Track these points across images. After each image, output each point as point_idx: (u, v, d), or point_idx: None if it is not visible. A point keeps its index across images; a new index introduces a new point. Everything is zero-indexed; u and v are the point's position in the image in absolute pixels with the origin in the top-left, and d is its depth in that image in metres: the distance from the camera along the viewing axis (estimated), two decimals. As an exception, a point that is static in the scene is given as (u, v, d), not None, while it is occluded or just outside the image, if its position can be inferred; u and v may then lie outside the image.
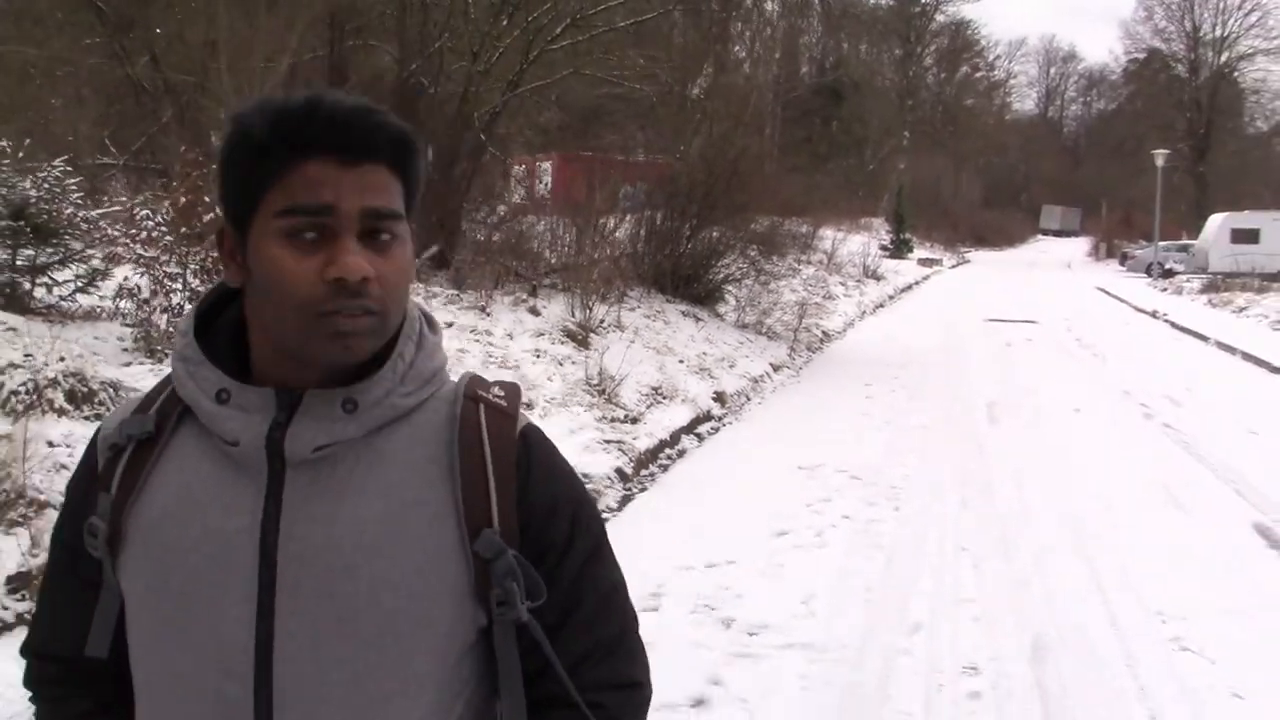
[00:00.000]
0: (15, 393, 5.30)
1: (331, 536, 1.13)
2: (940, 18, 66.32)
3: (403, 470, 1.17)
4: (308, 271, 1.08)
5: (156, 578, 1.17)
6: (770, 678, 4.47)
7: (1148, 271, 36.33)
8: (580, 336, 10.41)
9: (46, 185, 7.64)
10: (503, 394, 1.24)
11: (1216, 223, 36.30)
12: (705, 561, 5.91)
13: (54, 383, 5.40)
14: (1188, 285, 30.11)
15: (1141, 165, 48.80)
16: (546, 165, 20.52)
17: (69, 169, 7.89)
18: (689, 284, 14.83)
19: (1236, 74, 57.66)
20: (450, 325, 9.67)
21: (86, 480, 1.25)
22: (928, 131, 63.76)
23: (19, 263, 7.57)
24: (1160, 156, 36.65)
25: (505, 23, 13.78)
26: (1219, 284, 28.38)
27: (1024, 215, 74.42)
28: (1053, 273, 39.14)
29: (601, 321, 11.17)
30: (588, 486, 6.42)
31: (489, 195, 15.93)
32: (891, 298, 25.78)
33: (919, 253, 41.67)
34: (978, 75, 74.21)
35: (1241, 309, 23.04)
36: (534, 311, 11.09)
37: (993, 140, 73.46)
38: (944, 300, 25.62)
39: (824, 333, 16.77)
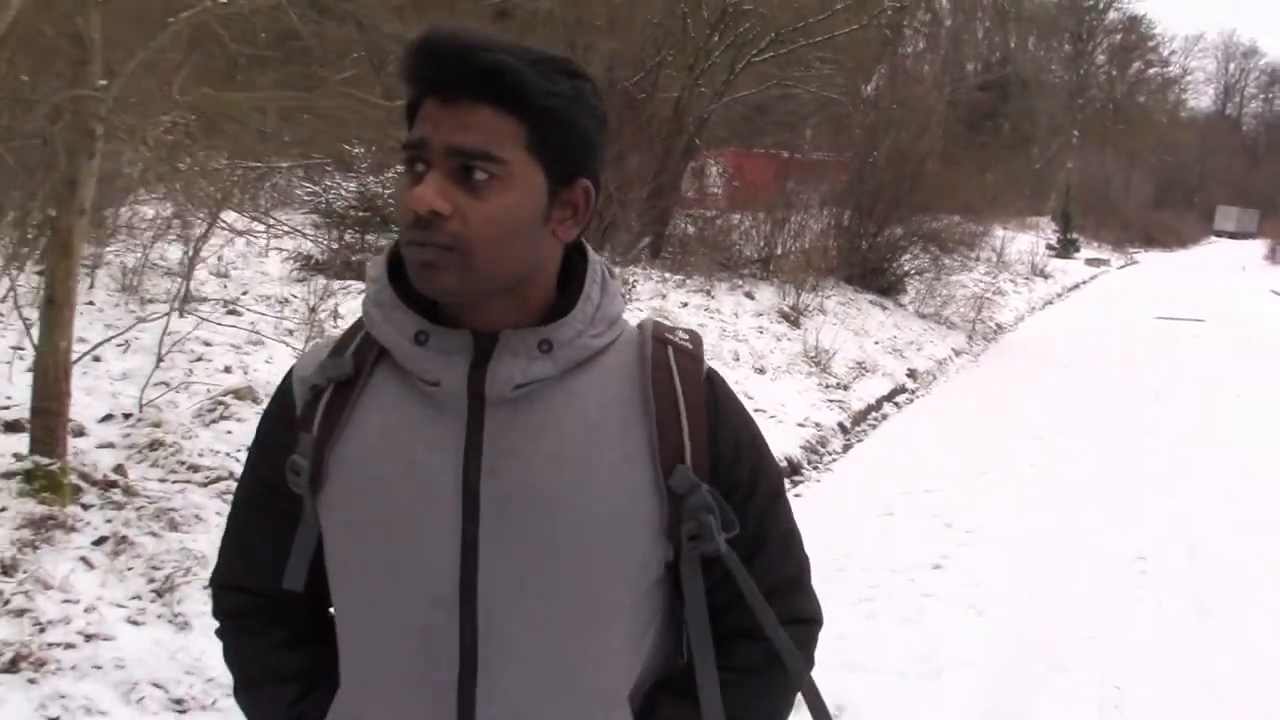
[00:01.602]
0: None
1: (531, 472, 1.21)
2: (1113, 14, 65.77)
3: (597, 409, 1.24)
4: (405, 202, 1.15)
5: (361, 512, 1.24)
6: (983, 558, 6.27)
7: (1326, 275, 36.36)
8: (792, 317, 12.32)
9: (390, 183, 9.89)
10: (688, 338, 1.31)
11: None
12: (924, 488, 7.71)
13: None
14: (1367, 290, 30.34)
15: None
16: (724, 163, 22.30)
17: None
18: (875, 276, 16.55)
19: None
20: (685, 305, 11.66)
21: (284, 420, 1.31)
22: (1097, 129, 63.40)
23: (367, 243, 9.83)
24: (1342, 159, 36.52)
25: (716, 38, 15.72)
26: (1399, 288, 28.64)
27: (1197, 216, 73.08)
28: (1225, 275, 39.25)
29: (807, 306, 13.03)
30: (818, 435, 8.29)
31: (699, 193, 17.88)
32: (1060, 295, 26.88)
33: (1086, 252, 42.15)
34: (1151, 71, 73.18)
35: None
36: (749, 295, 13.04)
37: (1166, 138, 72.34)
38: (1112, 299, 26.62)
39: (997, 325, 18.26)
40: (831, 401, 9.84)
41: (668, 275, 13.29)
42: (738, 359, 10.18)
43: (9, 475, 4.17)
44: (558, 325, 1.21)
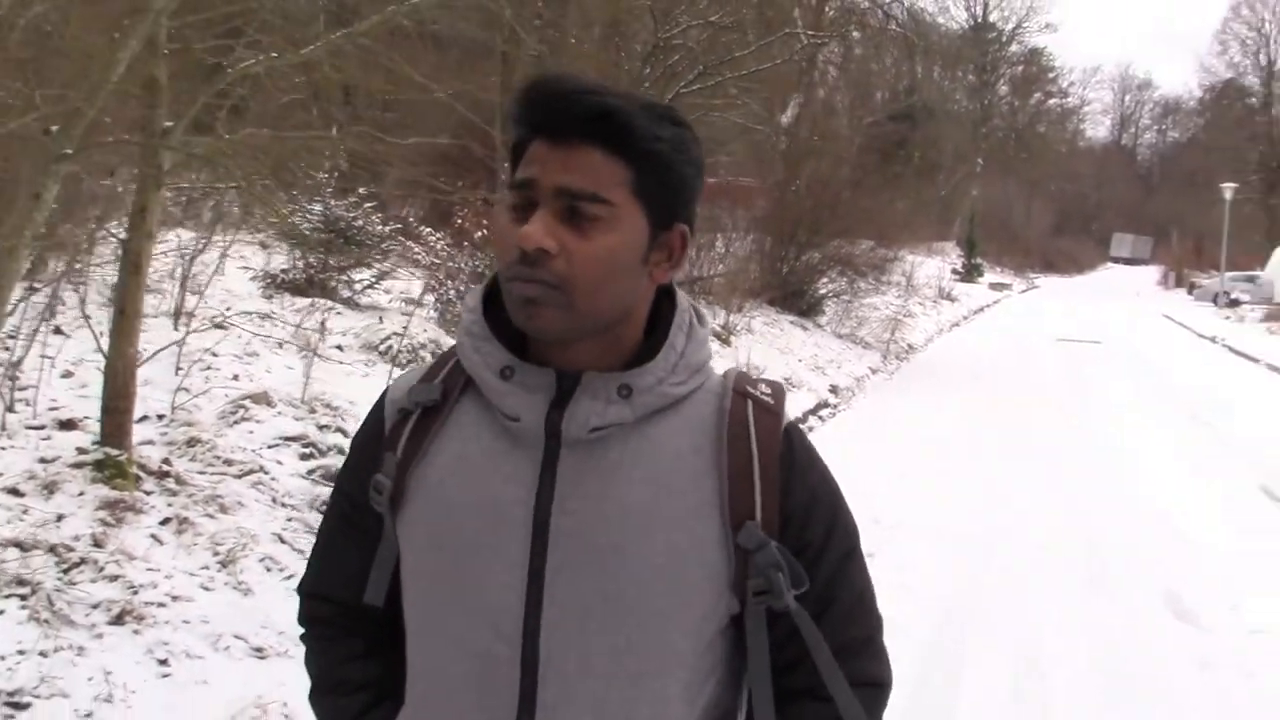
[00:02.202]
0: (400, 352, 8.13)
1: (602, 514, 1.23)
2: (1015, 46, 68.41)
3: (670, 458, 1.25)
4: (510, 239, 1.20)
5: (434, 536, 1.29)
6: (909, 547, 7.15)
7: (1214, 301, 38.36)
8: (724, 336, 13.20)
9: (353, 207, 10.55)
10: (769, 392, 1.33)
11: (1282, 255, 38.41)
12: (852, 491, 8.53)
13: (424, 345, 8.23)
14: (1250, 314, 32.32)
15: (1214, 196, 50.51)
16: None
17: (370, 194, 10.79)
18: (795, 298, 17.54)
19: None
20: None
21: (373, 439, 1.36)
22: (1000, 158, 65.82)
23: (330, 263, 10.47)
24: (1229, 190, 38.83)
25: (647, 70, 16.60)
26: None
27: (1094, 243, 76.06)
28: (1121, 300, 41.26)
29: (736, 326, 13.92)
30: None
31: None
32: (966, 318, 28.27)
33: (989, 277, 43.99)
34: (1051, 102, 76.11)
35: (1297, 337, 25.37)
36: (682, 315, 13.89)
37: (1064, 167, 75.33)
38: (1015, 322, 28.07)
39: (909, 345, 19.38)
40: (765, 413, 10.71)
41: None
42: (677, 374, 11.01)
43: (80, 465, 4.81)
44: (639, 371, 1.24)
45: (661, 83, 16.71)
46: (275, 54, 4.84)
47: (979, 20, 65.40)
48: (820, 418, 11.99)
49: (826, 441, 10.83)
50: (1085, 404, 13.91)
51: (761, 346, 13.15)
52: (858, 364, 15.63)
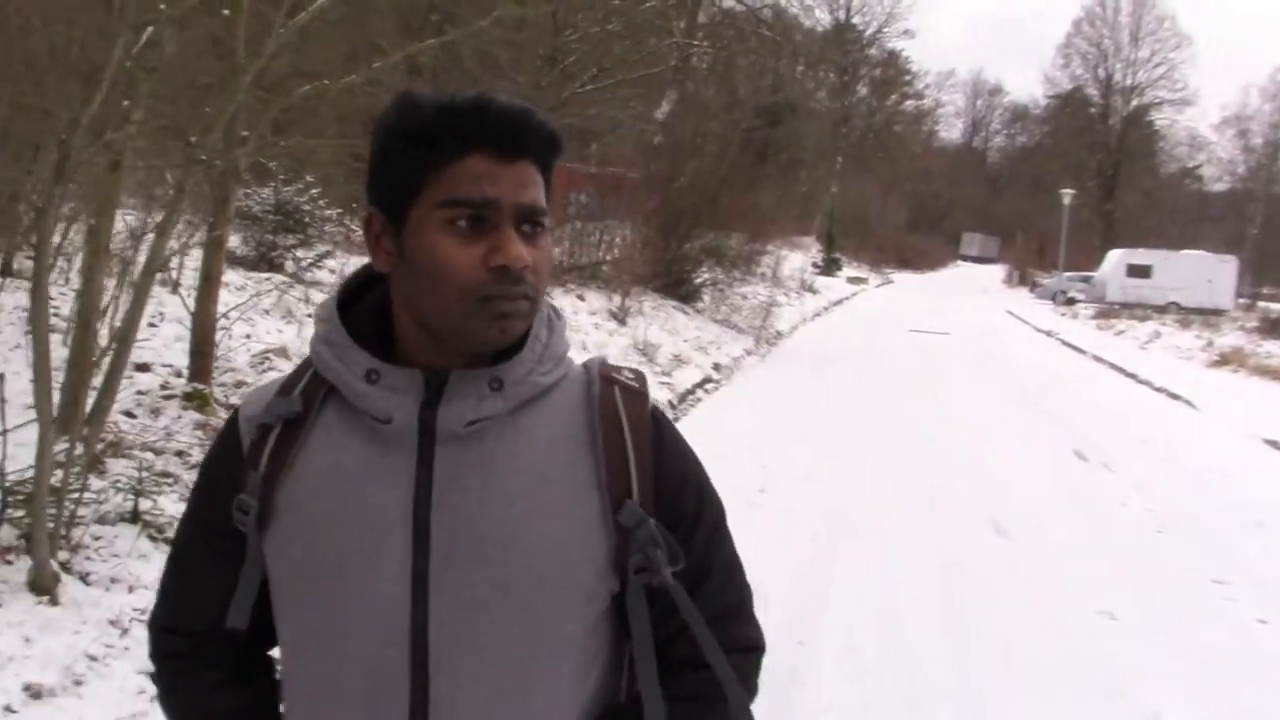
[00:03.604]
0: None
1: (483, 507, 1.25)
2: (874, 50, 71.63)
3: (545, 446, 1.29)
4: (471, 258, 1.20)
5: (310, 549, 1.28)
6: (793, 489, 8.98)
7: (1053, 299, 41.61)
8: (620, 317, 14.95)
9: (299, 192, 11.95)
10: (634, 377, 1.38)
11: (1115, 258, 41.82)
12: (743, 446, 10.39)
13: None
14: (1084, 312, 35.59)
15: (1056, 199, 54.30)
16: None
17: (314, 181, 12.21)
18: (677, 286, 19.40)
19: (1149, 119, 64.15)
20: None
21: (230, 459, 1.35)
22: (859, 156, 68.81)
23: (277, 242, 11.86)
24: (1067, 195, 42.25)
25: (551, 71, 18.23)
26: (1110, 312, 33.93)
27: (946, 240, 79.57)
28: (969, 296, 44.28)
29: (629, 308, 15.68)
30: (666, 409, 10.91)
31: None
32: (826, 309, 30.59)
33: (847, 271, 46.64)
34: (908, 104, 79.63)
35: (1121, 332, 28.46)
36: (580, 298, 15.58)
37: (919, 167, 78.67)
38: (872, 314, 30.53)
39: (777, 331, 21.41)
40: (662, 383, 12.49)
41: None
42: (585, 348, 12.69)
43: (170, 397, 6.28)
44: (509, 365, 1.27)
45: (558, 83, 18.36)
46: (325, 81, 6.38)
47: (842, 22, 68.34)
48: (706, 390, 13.82)
49: (717, 407, 12.73)
50: (932, 383, 16.09)
51: (654, 328, 14.93)
52: (734, 346, 17.54)
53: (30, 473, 4.24)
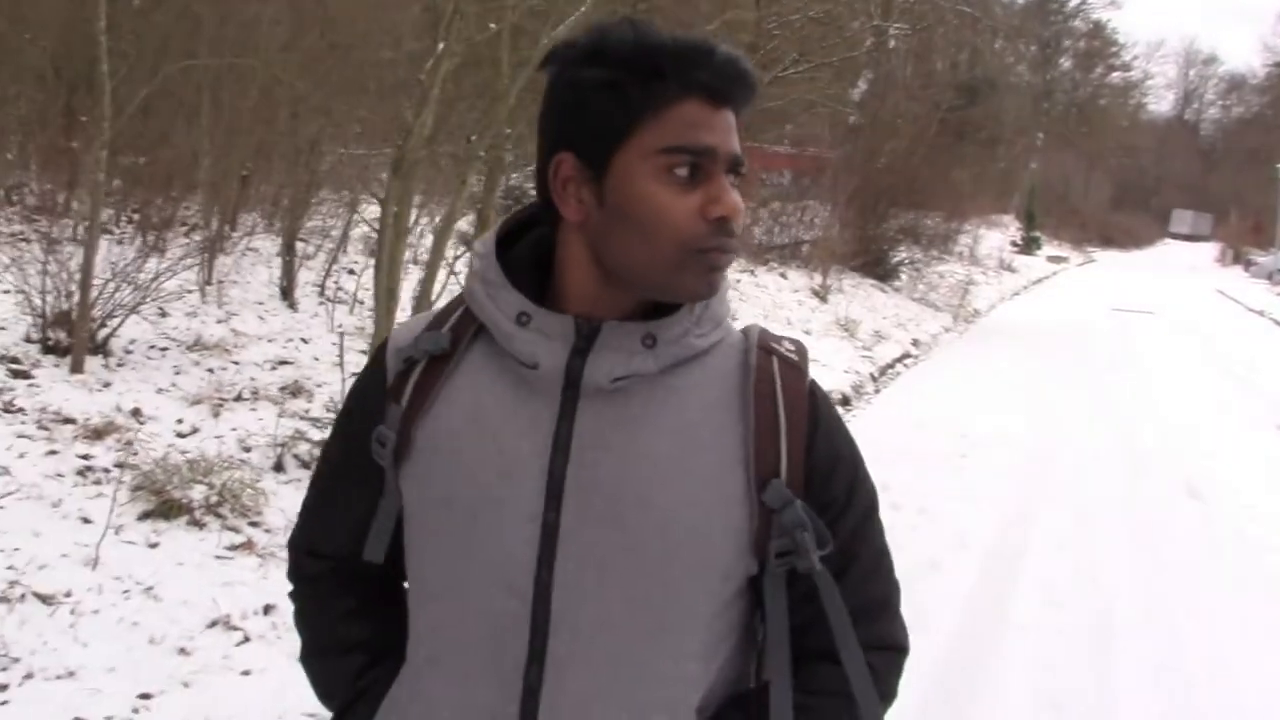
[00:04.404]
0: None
1: (623, 467, 1.22)
2: (1078, 21, 69.70)
3: (694, 410, 1.25)
4: (689, 208, 1.18)
5: (443, 490, 1.27)
6: (992, 452, 9.57)
7: (1269, 278, 40.14)
8: (822, 294, 15.67)
9: (525, 179, 13.05)
10: (794, 349, 1.34)
11: (1337, 235, 40.13)
12: (943, 414, 11.00)
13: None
14: (1302, 291, 34.35)
15: (1275, 174, 51.98)
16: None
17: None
18: (875, 265, 19.96)
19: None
20: (739, 281, 14.95)
21: (374, 389, 1.34)
22: (1061, 131, 67.14)
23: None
24: (1284, 169, 40.52)
25: (753, 56, 18.99)
26: (1330, 290, 32.69)
27: (1153, 218, 76.77)
28: (1177, 275, 43.02)
29: (830, 286, 16.38)
30: (858, 379, 11.64)
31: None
32: (1025, 288, 30.47)
33: (1047, 250, 45.84)
34: (1114, 76, 77.17)
35: (1341, 311, 27.50)
36: (783, 276, 16.36)
37: (1125, 141, 76.23)
38: (1072, 292, 30.24)
39: (975, 310, 21.72)
40: (863, 357, 13.19)
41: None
42: (789, 323, 13.47)
43: (364, 353, 7.33)
44: (665, 322, 1.23)
45: (760, 67, 19.09)
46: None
47: (1044, -6, 66.79)
48: (905, 365, 14.43)
49: (919, 379, 13.31)
50: (1133, 358, 16.29)
51: (854, 305, 15.60)
52: (932, 323, 18.02)
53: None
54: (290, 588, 1.50)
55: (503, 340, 1.25)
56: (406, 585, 1.38)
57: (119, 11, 7.46)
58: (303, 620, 1.49)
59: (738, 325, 1.36)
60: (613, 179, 1.20)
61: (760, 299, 14.34)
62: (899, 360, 14.35)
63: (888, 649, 1.34)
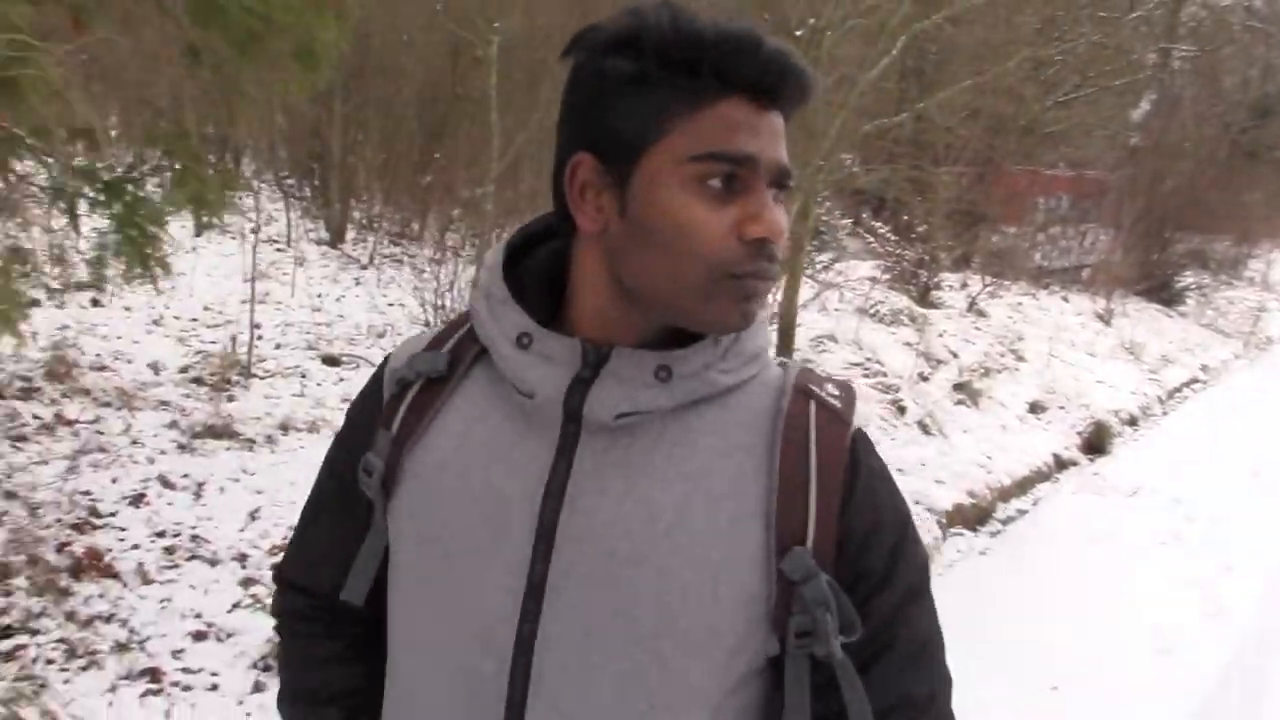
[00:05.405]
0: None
1: (620, 516, 1.08)
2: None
3: (711, 457, 1.10)
4: (721, 226, 1.04)
5: (424, 529, 1.15)
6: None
7: None
8: (1106, 318, 15.88)
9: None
10: (838, 393, 1.16)
11: None
12: (1238, 441, 11.13)
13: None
14: None
15: None
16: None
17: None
18: (1160, 289, 19.85)
19: None
20: (1020, 306, 15.34)
21: (369, 412, 1.23)
22: (1366, 148, 62.94)
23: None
24: None
25: (1035, 81, 19.30)
26: None
27: None
28: None
29: (1113, 310, 16.54)
30: (1145, 401, 11.92)
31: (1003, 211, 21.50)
32: (1325, 315, 29.17)
33: (1353, 278, 43.23)
34: None
35: None
36: (1065, 299, 16.64)
37: None
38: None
39: (1267, 337, 21.17)
40: (1150, 380, 13.40)
41: (983, 279, 16.91)
42: (1073, 345, 13.81)
43: None
44: (684, 353, 1.09)
45: (1042, 92, 19.36)
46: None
47: (1346, 2, 62.88)
48: (1193, 389, 14.49)
49: (1209, 407, 13.36)
50: None
51: (1139, 328, 15.75)
52: (1220, 350, 17.81)
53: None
54: (274, 622, 1.40)
55: (501, 364, 1.13)
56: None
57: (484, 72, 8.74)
58: (284, 660, 1.38)
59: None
60: (636, 186, 1.06)
61: (1044, 321, 14.68)
62: (1187, 384, 14.42)
63: None
